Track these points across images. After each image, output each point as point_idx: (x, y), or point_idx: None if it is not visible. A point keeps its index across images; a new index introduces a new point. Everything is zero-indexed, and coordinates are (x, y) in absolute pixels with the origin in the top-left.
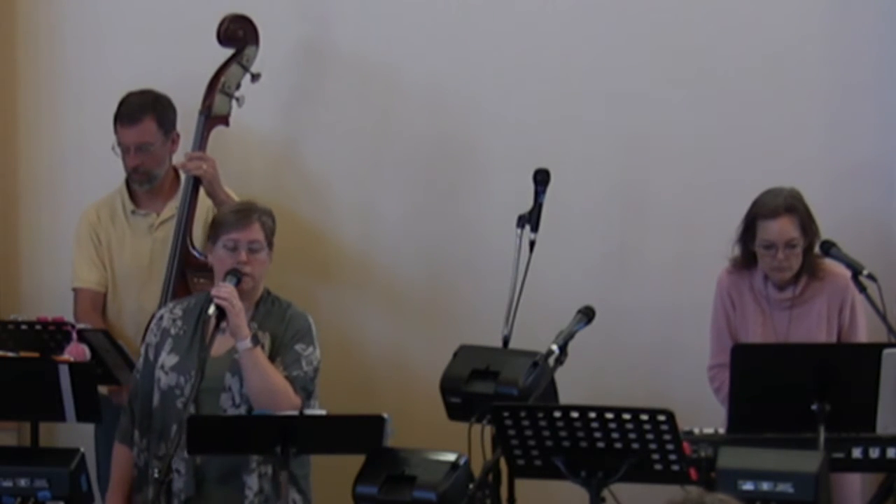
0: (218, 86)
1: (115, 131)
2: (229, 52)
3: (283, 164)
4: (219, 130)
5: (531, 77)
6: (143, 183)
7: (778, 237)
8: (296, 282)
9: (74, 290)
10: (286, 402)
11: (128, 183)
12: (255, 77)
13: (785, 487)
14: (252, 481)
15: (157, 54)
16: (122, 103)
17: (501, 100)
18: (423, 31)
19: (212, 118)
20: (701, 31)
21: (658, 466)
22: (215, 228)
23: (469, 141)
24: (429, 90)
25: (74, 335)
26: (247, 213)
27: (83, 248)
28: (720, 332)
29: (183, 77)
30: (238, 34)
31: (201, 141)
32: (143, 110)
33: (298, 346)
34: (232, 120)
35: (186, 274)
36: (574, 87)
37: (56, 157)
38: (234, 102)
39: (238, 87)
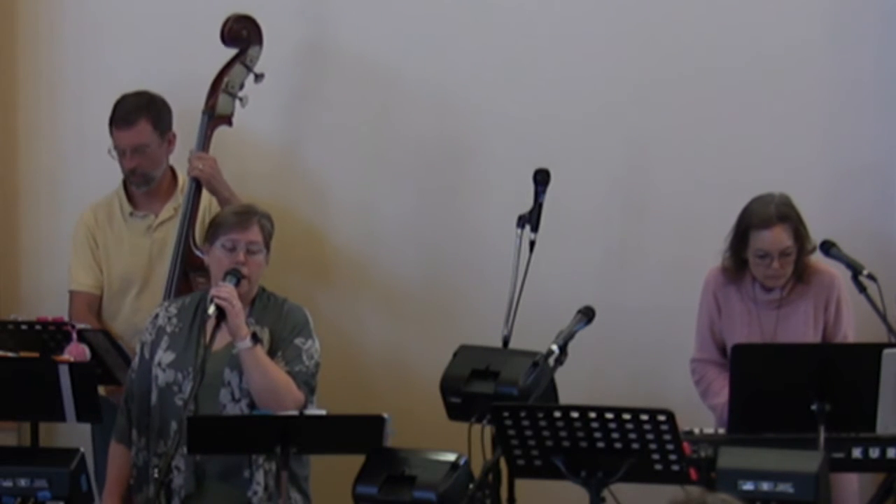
0: (221, 86)
1: (111, 134)
2: (232, 51)
3: (283, 165)
4: (220, 130)
5: (531, 77)
6: (140, 185)
7: (772, 246)
8: (295, 282)
9: (70, 292)
10: (289, 398)
11: (125, 184)
12: (258, 77)
13: (785, 487)
14: (259, 476)
15: (158, 54)
16: (116, 106)
17: (502, 100)
18: (423, 32)
19: (215, 118)
20: (701, 31)
21: (658, 466)
22: (214, 229)
23: (469, 141)
24: (429, 90)
25: (74, 335)
26: (247, 214)
27: (80, 250)
28: (703, 329)
29: (186, 76)
30: (242, 34)
31: (204, 141)
32: (137, 112)
33: (298, 341)
34: (233, 120)
35: (189, 273)
36: (574, 87)
37: (56, 157)
38: (237, 102)
39: (242, 87)
